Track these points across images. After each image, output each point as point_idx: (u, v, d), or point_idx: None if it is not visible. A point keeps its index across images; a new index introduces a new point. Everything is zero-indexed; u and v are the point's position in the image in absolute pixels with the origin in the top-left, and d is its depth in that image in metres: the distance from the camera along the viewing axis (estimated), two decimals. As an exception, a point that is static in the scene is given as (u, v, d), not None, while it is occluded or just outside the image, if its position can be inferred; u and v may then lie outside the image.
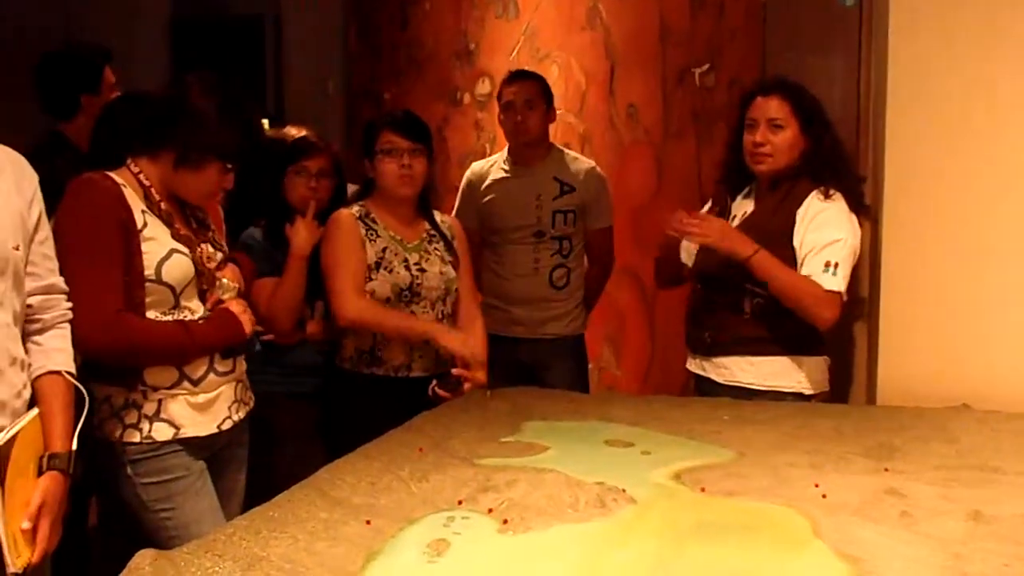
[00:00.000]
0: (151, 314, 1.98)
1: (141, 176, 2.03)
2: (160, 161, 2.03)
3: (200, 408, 2.04)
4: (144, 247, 1.96)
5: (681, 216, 2.54)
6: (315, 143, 2.82)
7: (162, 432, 2.00)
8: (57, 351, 1.79)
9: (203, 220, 2.15)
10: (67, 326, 1.83)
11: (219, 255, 2.13)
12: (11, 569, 1.61)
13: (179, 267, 2.00)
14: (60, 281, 1.83)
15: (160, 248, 1.98)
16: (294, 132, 2.87)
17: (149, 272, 1.96)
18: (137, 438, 1.98)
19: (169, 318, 2.00)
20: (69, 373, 1.79)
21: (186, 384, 2.02)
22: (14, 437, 1.65)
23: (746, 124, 2.58)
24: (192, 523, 1.97)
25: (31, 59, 2.99)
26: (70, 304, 1.84)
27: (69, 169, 2.09)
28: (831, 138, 2.54)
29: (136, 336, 1.94)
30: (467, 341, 2.64)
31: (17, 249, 1.70)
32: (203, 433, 2.05)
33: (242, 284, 2.18)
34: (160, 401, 2.00)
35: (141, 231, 1.96)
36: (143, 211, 1.99)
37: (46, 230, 1.81)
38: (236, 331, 2.08)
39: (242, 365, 2.17)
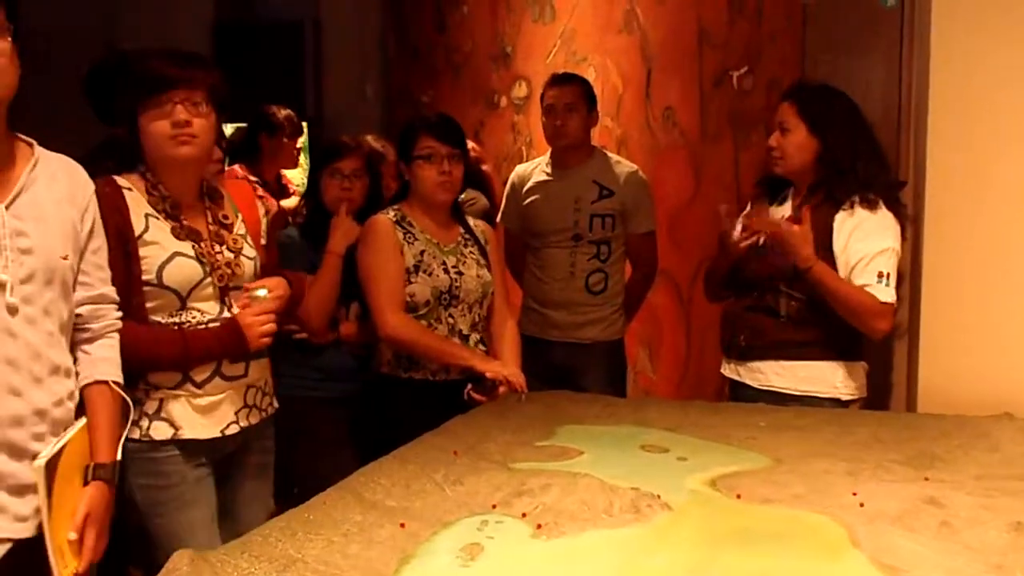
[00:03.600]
0: (156, 318, 1.97)
1: (148, 174, 2.01)
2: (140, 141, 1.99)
3: (202, 411, 2.02)
4: (143, 251, 1.95)
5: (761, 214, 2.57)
6: (348, 144, 2.87)
7: (160, 431, 1.98)
8: (104, 360, 1.80)
9: (224, 221, 2.11)
10: (116, 336, 1.83)
11: (245, 260, 2.10)
12: None
13: (181, 270, 1.98)
14: (111, 291, 1.84)
15: (162, 252, 1.97)
16: (371, 141, 3.05)
17: (150, 276, 1.95)
18: (136, 435, 1.96)
19: (174, 320, 1.99)
20: (116, 383, 1.80)
21: (189, 386, 2.01)
22: (61, 449, 1.67)
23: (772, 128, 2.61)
24: (181, 531, 1.95)
25: (75, 63, 3.04)
26: (119, 313, 1.85)
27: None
28: (847, 139, 2.50)
29: (127, 343, 1.87)
30: (506, 366, 2.64)
31: (66, 259, 1.71)
32: (203, 436, 2.02)
33: (283, 299, 2.12)
34: (161, 400, 1.99)
35: (140, 236, 1.95)
36: (147, 215, 1.98)
37: (100, 239, 1.82)
38: (237, 344, 2.02)
39: (258, 371, 2.12)
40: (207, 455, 2.05)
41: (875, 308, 2.41)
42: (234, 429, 2.07)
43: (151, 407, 1.99)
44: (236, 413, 2.08)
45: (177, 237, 2.00)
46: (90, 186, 1.82)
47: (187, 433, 2.01)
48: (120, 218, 1.93)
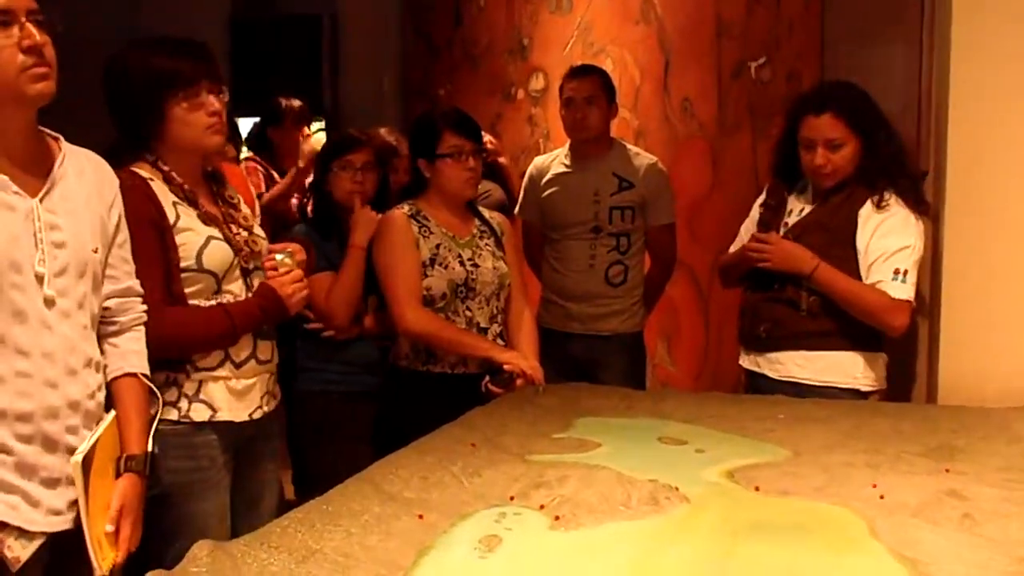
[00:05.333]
0: (194, 303, 1.99)
1: (159, 163, 2.02)
2: (162, 132, 2.00)
3: (238, 394, 2.05)
4: (179, 239, 1.97)
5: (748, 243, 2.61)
6: (357, 137, 2.88)
7: (200, 413, 2.00)
8: (133, 353, 1.82)
9: (231, 201, 2.14)
10: (142, 328, 1.86)
11: (259, 238, 2.13)
12: (99, 572, 1.65)
13: (218, 253, 2.01)
14: (136, 284, 1.86)
15: (197, 237, 1.99)
16: (384, 133, 3.07)
17: (189, 262, 1.97)
18: (175, 416, 1.97)
19: (212, 302, 2.01)
20: (144, 375, 1.82)
21: (228, 366, 2.03)
22: (95, 443, 1.68)
23: (803, 143, 2.54)
24: (204, 518, 1.98)
25: (92, 60, 3.06)
26: (145, 307, 1.87)
27: None
28: (887, 139, 2.50)
29: (179, 328, 1.94)
30: (526, 357, 2.64)
31: (96, 252, 1.74)
32: (237, 419, 2.05)
33: (304, 261, 2.17)
34: (200, 382, 2.01)
35: (175, 224, 1.97)
36: (174, 203, 2.00)
37: (124, 233, 1.84)
38: (276, 308, 2.07)
39: (276, 356, 2.17)
40: (234, 440, 2.08)
41: (886, 305, 2.41)
42: (259, 414, 2.11)
43: (190, 389, 2.00)
44: (261, 398, 2.11)
45: (204, 223, 2.03)
46: (115, 180, 1.84)
47: (224, 415, 2.03)
48: (154, 208, 1.96)
